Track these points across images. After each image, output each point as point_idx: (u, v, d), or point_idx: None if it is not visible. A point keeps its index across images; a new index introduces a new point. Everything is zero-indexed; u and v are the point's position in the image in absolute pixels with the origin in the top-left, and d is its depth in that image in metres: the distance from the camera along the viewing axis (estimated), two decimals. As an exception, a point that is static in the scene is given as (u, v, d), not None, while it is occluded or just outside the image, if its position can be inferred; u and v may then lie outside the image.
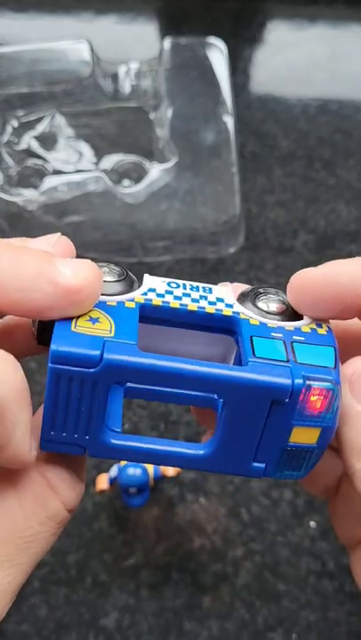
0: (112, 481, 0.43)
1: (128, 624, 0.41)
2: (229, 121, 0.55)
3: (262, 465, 0.22)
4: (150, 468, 0.43)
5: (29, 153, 0.58)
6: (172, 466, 0.22)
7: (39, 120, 0.59)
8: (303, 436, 0.21)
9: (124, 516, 0.44)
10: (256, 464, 0.22)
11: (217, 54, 0.58)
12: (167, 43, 0.58)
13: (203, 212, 0.53)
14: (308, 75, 0.68)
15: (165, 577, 0.42)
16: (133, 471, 0.42)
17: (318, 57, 0.69)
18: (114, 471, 0.43)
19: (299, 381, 0.20)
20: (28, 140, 0.58)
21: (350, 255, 0.58)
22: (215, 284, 0.25)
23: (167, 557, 0.43)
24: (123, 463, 0.43)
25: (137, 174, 0.56)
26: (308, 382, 0.20)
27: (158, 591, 0.42)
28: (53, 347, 0.19)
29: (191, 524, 0.44)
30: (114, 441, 0.21)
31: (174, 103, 0.56)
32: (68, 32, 0.67)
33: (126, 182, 0.56)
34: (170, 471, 0.43)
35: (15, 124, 0.59)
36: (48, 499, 0.21)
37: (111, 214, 0.52)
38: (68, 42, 0.58)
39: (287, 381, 0.20)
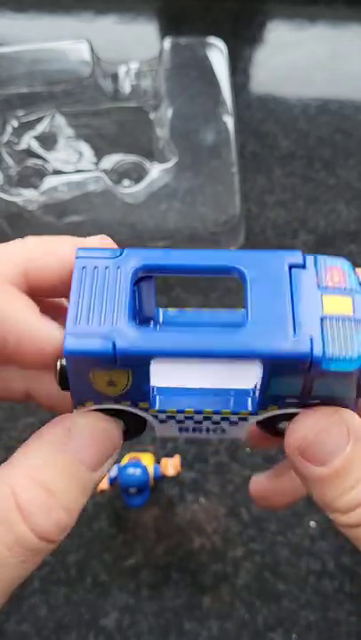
0: (112, 481, 0.43)
1: (128, 624, 0.41)
2: (229, 121, 0.55)
3: (307, 337, 0.21)
4: (150, 467, 0.43)
5: (29, 153, 0.58)
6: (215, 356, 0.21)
7: (39, 120, 0.59)
8: (335, 305, 0.21)
9: (124, 515, 0.44)
10: (298, 337, 0.20)
11: (217, 54, 0.58)
12: (167, 43, 0.58)
13: (203, 211, 0.53)
14: (308, 75, 0.68)
15: (165, 577, 0.42)
16: (133, 471, 0.42)
17: (318, 57, 0.69)
18: (113, 471, 0.43)
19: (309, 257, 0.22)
20: (28, 140, 0.58)
21: (350, 255, 0.58)
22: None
23: (167, 557, 0.43)
24: (123, 462, 0.43)
25: (137, 174, 0.56)
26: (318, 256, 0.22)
27: (158, 591, 0.42)
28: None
29: (191, 524, 0.44)
30: (141, 330, 0.21)
31: (174, 103, 0.56)
32: (68, 32, 0.67)
33: (126, 182, 0.56)
34: (170, 471, 0.43)
35: (15, 123, 0.59)
36: (14, 522, 0.20)
37: (111, 214, 0.52)
38: (68, 42, 0.58)
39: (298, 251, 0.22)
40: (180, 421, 0.24)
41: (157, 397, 0.23)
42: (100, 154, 0.58)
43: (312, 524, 0.43)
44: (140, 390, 0.22)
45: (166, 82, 0.57)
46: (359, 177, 0.60)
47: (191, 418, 0.24)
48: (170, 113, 0.55)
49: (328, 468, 0.21)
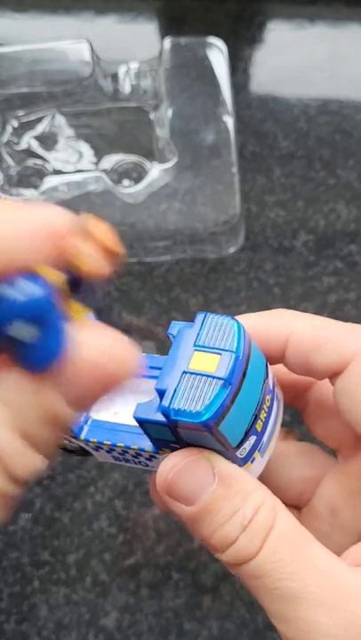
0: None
1: (128, 624, 0.41)
2: (229, 121, 0.55)
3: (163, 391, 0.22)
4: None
5: (29, 153, 0.58)
6: None
7: (39, 120, 0.59)
8: (202, 362, 0.22)
9: (124, 515, 0.44)
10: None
11: (217, 54, 0.58)
12: (167, 43, 0.58)
13: (203, 211, 0.53)
14: (308, 75, 0.68)
15: (165, 577, 0.42)
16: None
17: (318, 57, 0.69)
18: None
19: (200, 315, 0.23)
20: (28, 140, 0.58)
21: (350, 255, 0.58)
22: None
23: (167, 557, 0.43)
24: None
25: (137, 174, 0.56)
26: None
27: (158, 591, 0.42)
28: None
29: (191, 523, 0.44)
30: None
31: (174, 103, 0.56)
32: (68, 32, 0.67)
33: (126, 182, 0.56)
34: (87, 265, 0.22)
35: (15, 123, 0.59)
36: None
37: (111, 214, 0.52)
38: (68, 42, 0.58)
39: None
40: (108, 451, 0.26)
41: (85, 428, 0.26)
42: (100, 154, 0.58)
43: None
44: None
45: (166, 82, 0.57)
46: (359, 177, 0.60)
47: (114, 450, 0.26)
48: (170, 113, 0.55)
49: (196, 507, 0.22)
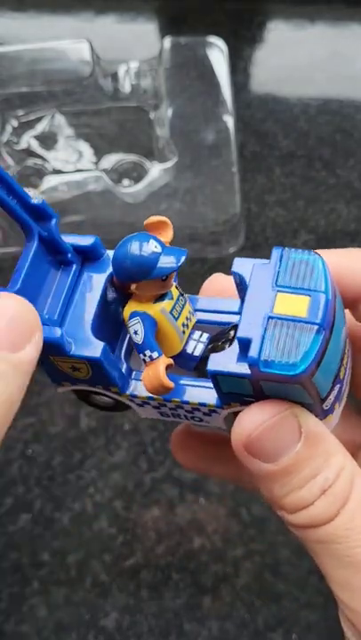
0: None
1: (128, 624, 0.41)
2: (229, 120, 0.55)
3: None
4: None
5: (29, 152, 0.57)
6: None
7: (39, 120, 0.59)
8: (289, 305, 0.20)
9: (124, 516, 0.44)
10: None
11: (217, 54, 0.58)
12: (167, 42, 0.58)
13: (203, 211, 0.53)
14: (308, 74, 0.68)
15: (165, 577, 0.42)
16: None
17: (318, 57, 0.69)
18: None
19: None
20: (28, 140, 0.58)
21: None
22: None
23: (167, 557, 0.42)
24: None
25: (137, 174, 0.56)
26: None
27: (158, 591, 0.42)
28: None
29: (191, 523, 0.43)
30: None
31: (174, 103, 0.56)
32: (68, 31, 0.67)
33: (126, 182, 0.56)
34: None
35: (15, 123, 0.58)
36: None
37: (111, 214, 0.52)
38: (68, 41, 0.58)
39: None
40: (155, 407, 0.24)
41: (133, 382, 0.24)
42: (99, 153, 0.58)
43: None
44: (103, 379, 0.22)
45: (166, 81, 0.57)
46: (359, 177, 0.60)
47: (164, 405, 0.23)
48: (170, 112, 0.55)
49: (276, 466, 0.20)
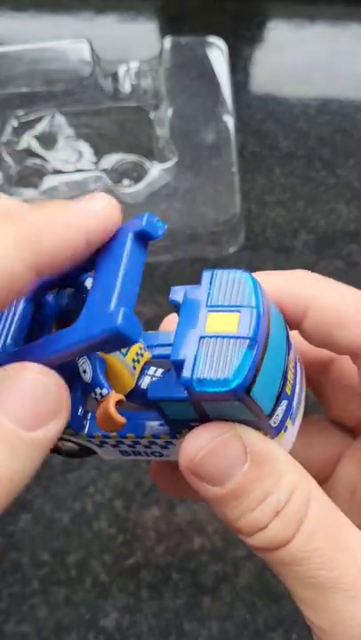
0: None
1: (128, 624, 0.41)
2: (230, 120, 0.55)
3: (119, 310, 0.18)
4: None
5: (29, 152, 0.57)
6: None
7: (39, 120, 0.59)
8: (220, 323, 0.19)
9: (124, 516, 0.44)
10: (114, 310, 0.18)
11: (217, 53, 0.58)
12: (167, 42, 0.58)
13: (203, 211, 0.53)
14: (308, 74, 0.68)
15: (165, 577, 0.42)
16: None
17: (318, 57, 0.69)
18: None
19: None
20: (28, 140, 0.58)
21: (351, 255, 0.58)
22: None
23: (167, 557, 0.42)
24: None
25: (137, 174, 0.56)
26: None
27: (158, 591, 0.42)
28: None
29: (191, 524, 0.43)
30: None
31: (174, 102, 0.56)
32: (68, 31, 0.67)
33: (126, 182, 0.56)
34: None
35: (15, 123, 0.58)
36: None
37: (111, 214, 0.52)
38: (68, 41, 0.58)
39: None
40: (114, 445, 0.24)
41: (89, 423, 0.23)
42: (99, 153, 0.58)
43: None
44: None
45: (166, 81, 0.57)
46: (359, 177, 0.60)
47: (122, 442, 0.23)
48: (170, 112, 0.55)
49: (224, 489, 0.20)
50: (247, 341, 0.19)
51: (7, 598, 0.42)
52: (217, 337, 0.19)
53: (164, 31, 0.69)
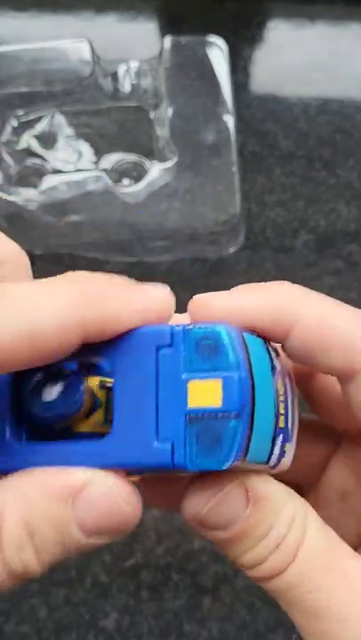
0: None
1: (128, 625, 0.41)
2: (230, 120, 0.55)
3: (167, 445, 0.18)
4: None
5: (29, 152, 0.57)
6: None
7: (39, 119, 0.59)
8: (203, 395, 0.18)
9: (124, 516, 0.44)
10: (159, 444, 0.18)
11: (217, 53, 0.58)
12: (167, 41, 0.58)
13: (203, 211, 0.52)
14: (308, 74, 0.68)
15: (165, 578, 0.42)
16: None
17: (318, 57, 0.69)
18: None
19: (178, 328, 0.19)
20: (28, 140, 0.58)
21: (351, 255, 0.57)
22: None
23: (167, 558, 0.42)
24: None
25: (137, 173, 0.56)
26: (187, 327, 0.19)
27: (158, 592, 0.42)
28: None
29: (191, 524, 0.43)
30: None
31: (174, 102, 0.56)
32: (68, 31, 0.67)
33: (126, 182, 0.56)
34: None
35: (15, 123, 0.58)
36: None
37: (111, 214, 0.52)
38: (68, 41, 0.58)
39: (166, 327, 0.19)
40: None
41: None
42: (99, 153, 0.58)
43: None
44: None
45: (166, 81, 0.57)
46: (359, 177, 0.60)
47: None
48: (170, 112, 0.55)
49: (228, 533, 0.21)
50: (235, 413, 0.18)
51: (7, 598, 0.42)
52: (202, 411, 0.18)
53: (164, 31, 0.69)
